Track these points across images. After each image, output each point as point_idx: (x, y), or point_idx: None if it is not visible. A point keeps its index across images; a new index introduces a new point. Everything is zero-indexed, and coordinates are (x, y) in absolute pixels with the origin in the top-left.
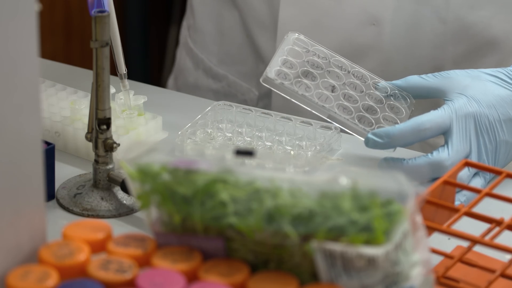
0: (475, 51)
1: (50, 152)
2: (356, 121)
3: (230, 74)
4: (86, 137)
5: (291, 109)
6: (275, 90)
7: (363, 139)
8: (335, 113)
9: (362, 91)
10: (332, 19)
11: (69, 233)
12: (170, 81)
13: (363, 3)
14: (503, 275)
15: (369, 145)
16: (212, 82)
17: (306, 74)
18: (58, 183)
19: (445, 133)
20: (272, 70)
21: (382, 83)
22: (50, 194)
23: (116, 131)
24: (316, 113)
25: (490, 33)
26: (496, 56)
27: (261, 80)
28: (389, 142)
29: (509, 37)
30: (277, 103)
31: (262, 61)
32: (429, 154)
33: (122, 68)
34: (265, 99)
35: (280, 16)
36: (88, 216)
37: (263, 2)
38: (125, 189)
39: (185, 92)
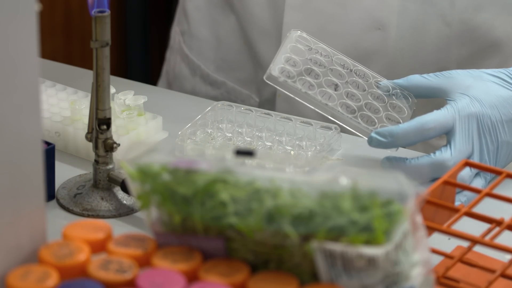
0: (479, 53)
1: (50, 152)
2: (359, 119)
3: (229, 80)
4: (86, 137)
5: (294, 115)
6: (278, 88)
7: (366, 138)
8: (338, 111)
9: (365, 90)
10: (337, 24)
11: (69, 233)
12: (161, 85)
13: (368, 7)
14: (503, 275)
15: (372, 144)
16: (210, 89)
17: (309, 72)
18: (58, 183)
19: (448, 133)
20: (275, 68)
21: (384, 81)
22: (50, 194)
23: (116, 131)
24: (320, 111)
25: (493, 35)
26: (498, 58)
27: (264, 78)
28: (392, 141)
29: (510, 39)
30: (280, 109)
31: (262, 67)
32: (432, 154)
33: None
34: (266, 105)
35: (285, 22)
36: (88, 216)
37: (266, 9)
38: (125, 189)
39: None
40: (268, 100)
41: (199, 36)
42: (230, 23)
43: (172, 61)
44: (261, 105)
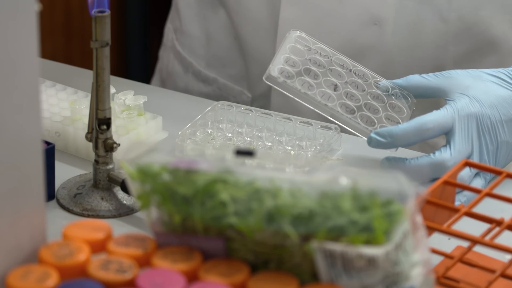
0: (476, 51)
1: (50, 152)
2: (359, 120)
3: (220, 77)
4: (86, 137)
5: (290, 110)
6: (277, 88)
7: (365, 138)
8: (338, 112)
9: (364, 90)
10: (334, 19)
11: (69, 233)
12: (154, 83)
13: (365, 3)
14: (503, 275)
15: (372, 144)
16: (202, 86)
17: (308, 72)
18: (58, 183)
19: (447, 133)
20: (275, 68)
21: (383, 82)
22: (50, 194)
23: (116, 131)
24: (319, 111)
25: (491, 33)
26: (496, 56)
27: (264, 78)
28: (392, 141)
29: (509, 37)
30: (276, 104)
31: (256, 62)
32: (431, 154)
33: None
34: (260, 101)
35: (281, 17)
36: (88, 216)
37: (262, 3)
38: (125, 189)
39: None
40: (263, 95)
41: (190, 33)
42: (220, 19)
43: (165, 58)
44: (254, 100)
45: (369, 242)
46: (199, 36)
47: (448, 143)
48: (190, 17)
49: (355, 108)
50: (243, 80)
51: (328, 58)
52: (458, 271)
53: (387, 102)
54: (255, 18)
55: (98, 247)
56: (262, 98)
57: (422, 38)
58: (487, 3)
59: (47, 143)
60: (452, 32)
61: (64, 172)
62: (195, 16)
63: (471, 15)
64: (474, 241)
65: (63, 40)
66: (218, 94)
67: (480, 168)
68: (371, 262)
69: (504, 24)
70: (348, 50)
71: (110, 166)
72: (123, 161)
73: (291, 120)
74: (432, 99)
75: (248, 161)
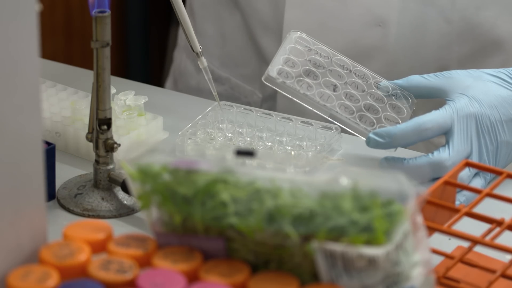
0: (480, 52)
1: (50, 152)
2: (358, 120)
3: (233, 77)
4: (87, 137)
5: (295, 112)
6: (276, 89)
7: (364, 139)
8: (337, 112)
9: (364, 90)
10: (337, 21)
11: (69, 233)
12: (168, 84)
13: (368, 4)
14: (504, 275)
15: (370, 144)
16: (214, 85)
17: (308, 73)
18: (58, 183)
19: (446, 133)
20: (274, 69)
21: (384, 82)
22: (51, 194)
23: (117, 132)
24: (318, 112)
25: (495, 33)
26: (501, 56)
27: (263, 79)
28: (390, 142)
29: None
30: (281, 105)
31: (265, 63)
32: (429, 154)
33: (197, 46)
34: (269, 102)
35: (286, 18)
36: (88, 216)
37: (268, 4)
38: (125, 189)
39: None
40: (271, 96)
41: (205, 33)
42: (236, 19)
43: (178, 59)
44: (263, 100)
45: (369, 242)
46: (214, 36)
47: (447, 143)
48: (205, 17)
49: (355, 109)
50: (255, 80)
51: (328, 58)
52: (459, 271)
53: (387, 102)
54: (263, 19)
55: (99, 247)
56: (270, 99)
57: (426, 38)
58: (490, 3)
59: (48, 143)
60: (456, 33)
61: (65, 172)
62: (210, 16)
63: (474, 16)
64: (474, 241)
65: (63, 40)
66: (230, 94)
67: (481, 168)
68: (372, 262)
69: (509, 24)
70: (352, 51)
71: (111, 166)
72: (123, 161)
73: (291, 120)
74: (436, 100)
75: (248, 161)
